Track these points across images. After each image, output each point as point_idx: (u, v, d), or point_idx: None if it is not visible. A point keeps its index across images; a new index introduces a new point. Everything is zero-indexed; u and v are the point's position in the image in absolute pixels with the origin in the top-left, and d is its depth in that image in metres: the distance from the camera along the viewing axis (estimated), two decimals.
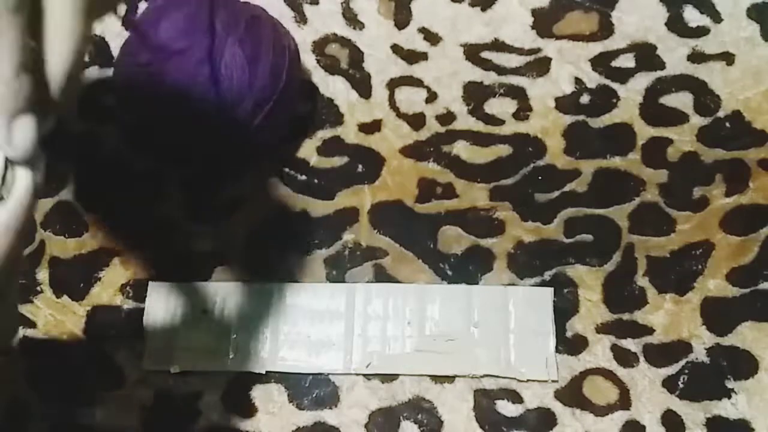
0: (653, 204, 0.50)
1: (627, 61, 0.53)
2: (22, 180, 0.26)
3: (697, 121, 0.51)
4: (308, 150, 0.51)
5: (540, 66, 0.53)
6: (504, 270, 0.49)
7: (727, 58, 0.52)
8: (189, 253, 0.50)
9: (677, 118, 0.51)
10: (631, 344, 0.47)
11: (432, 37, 0.54)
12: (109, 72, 0.53)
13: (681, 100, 0.52)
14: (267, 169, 0.51)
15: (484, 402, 0.46)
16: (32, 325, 0.49)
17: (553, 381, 0.46)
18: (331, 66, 0.53)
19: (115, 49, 0.53)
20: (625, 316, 0.47)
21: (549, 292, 0.48)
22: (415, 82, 0.53)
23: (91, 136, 0.52)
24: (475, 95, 0.52)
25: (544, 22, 0.54)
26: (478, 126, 0.52)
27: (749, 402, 0.45)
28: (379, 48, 0.54)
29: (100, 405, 0.47)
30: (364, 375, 0.47)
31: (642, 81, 0.52)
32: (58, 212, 0.51)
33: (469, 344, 0.47)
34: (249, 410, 0.46)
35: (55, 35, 0.25)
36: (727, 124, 0.51)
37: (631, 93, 0.52)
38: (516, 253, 0.49)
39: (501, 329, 0.47)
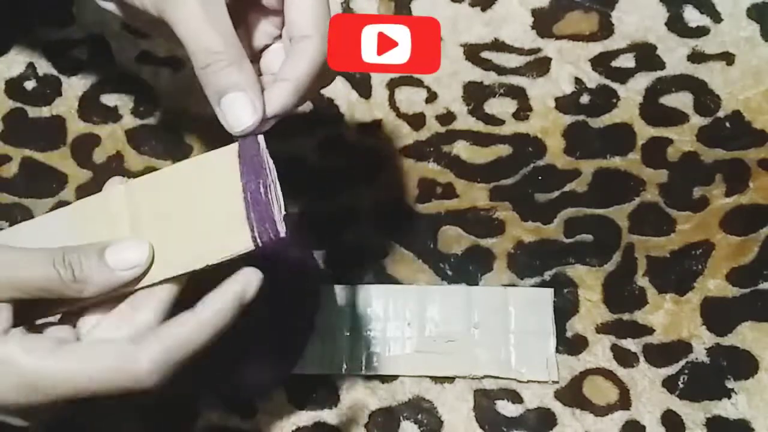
0: (653, 204, 0.50)
1: (627, 61, 0.53)
2: None
3: (697, 121, 0.51)
4: (308, 150, 0.51)
5: (540, 66, 0.53)
6: (504, 270, 0.49)
7: (727, 58, 0.52)
8: None
9: (677, 118, 0.51)
10: (631, 344, 0.47)
11: None
12: (109, 72, 0.53)
13: (681, 100, 0.52)
14: None
15: (484, 402, 0.46)
16: None
17: (553, 381, 0.46)
18: None
19: (116, 49, 0.53)
20: (625, 316, 0.47)
21: (549, 292, 0.48)
22: (415, 82, 0.53)
23: (91, 136, 0.52)
24: (475, 95, 0.52)
25: (544, 22, 0.54)
26: (478, 126, 0.52)
27: (749, 402, 0.45)
28: None
29: (101, 405, 0.46)
30: (364, 375, 0.47)
31: (642, 81, 0.52)
32: None
33: (470, 345, 0.46)
34: (249, 410, 0.46)
35: None
36: (727, 124, 0.51)
37: (631, 93, 0.52)
38: (516, 253, 0.49)
39: (501, 330, 0.47)
